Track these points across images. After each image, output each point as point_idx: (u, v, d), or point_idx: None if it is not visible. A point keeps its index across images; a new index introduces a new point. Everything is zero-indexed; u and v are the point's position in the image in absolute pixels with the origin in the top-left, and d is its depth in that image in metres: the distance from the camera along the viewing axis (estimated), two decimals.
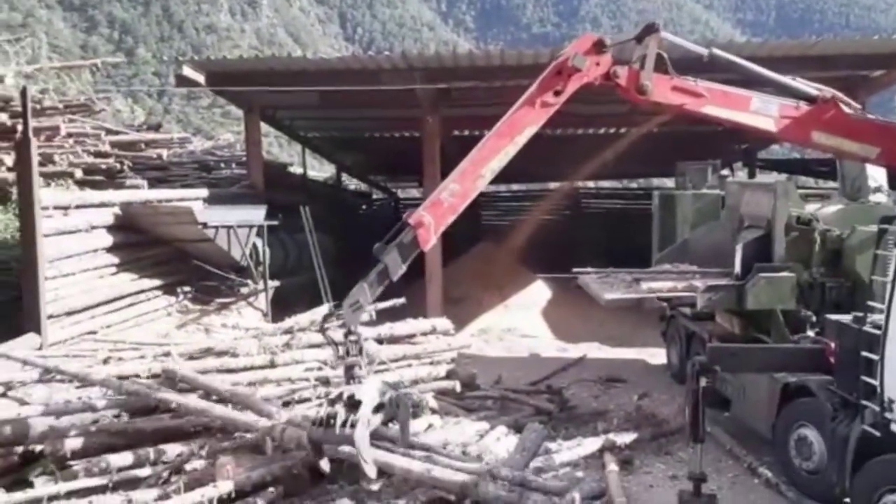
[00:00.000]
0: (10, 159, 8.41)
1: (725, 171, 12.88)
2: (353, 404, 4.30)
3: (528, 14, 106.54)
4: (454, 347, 7.51)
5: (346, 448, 4.55)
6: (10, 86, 9.57)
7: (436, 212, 4.74)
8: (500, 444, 6.03)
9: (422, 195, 17.67)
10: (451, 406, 6.87)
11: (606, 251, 15.63)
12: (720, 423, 6.85)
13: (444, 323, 7.75)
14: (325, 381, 6.08)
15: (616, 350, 11.14)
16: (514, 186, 27.69)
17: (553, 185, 23.78)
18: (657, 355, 10.07)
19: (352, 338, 4.56)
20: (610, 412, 7.60)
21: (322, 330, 4.85)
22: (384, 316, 7.29)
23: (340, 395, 4.35)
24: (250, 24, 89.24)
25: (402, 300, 7.59)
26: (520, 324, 12.88)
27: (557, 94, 4.85)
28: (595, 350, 11.08)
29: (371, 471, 4.40)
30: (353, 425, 4.21)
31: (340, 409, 4.26)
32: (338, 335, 4.72)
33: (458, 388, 7.07)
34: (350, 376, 4.52)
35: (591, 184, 24.91)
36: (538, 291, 14.49)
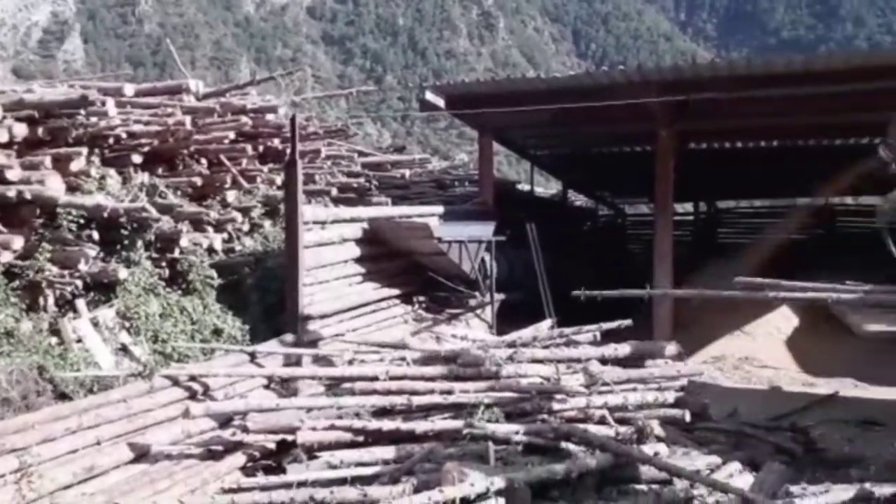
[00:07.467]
0: (279, 179, 9.63)
1: None
2: None
3: (778, 17, 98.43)
4: (684, 374, 7.12)
5: None
6: (281, 115, 10.94)
7: None
8: (734, 481, 5.60)
9: (651, 211, 17.08)
10: (680, 436, 6.53)
11: (867, 276, 13.85)
12: None
13: (673, 347, 7.40)
14: (549, 396, 6.12)
15: (875, 389, 9.74)
16: (757, 202, 25.74)
17: (802, 201, 21.71)
18: None
19: None
20: (867, 459, 6.68)
21: None
22: (609, 337, 7.14)
23: None
24: (487, 48, 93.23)
25: (628, 321, 7.38)
26: (760, 353, 11.81)
27: None
28: (849, 387, 9.81)
29: None
30: None
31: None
32: None
33: (688, 417, 6.68)
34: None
35: (849, 200, 22.34)
36: (783, 318, 13.16)
